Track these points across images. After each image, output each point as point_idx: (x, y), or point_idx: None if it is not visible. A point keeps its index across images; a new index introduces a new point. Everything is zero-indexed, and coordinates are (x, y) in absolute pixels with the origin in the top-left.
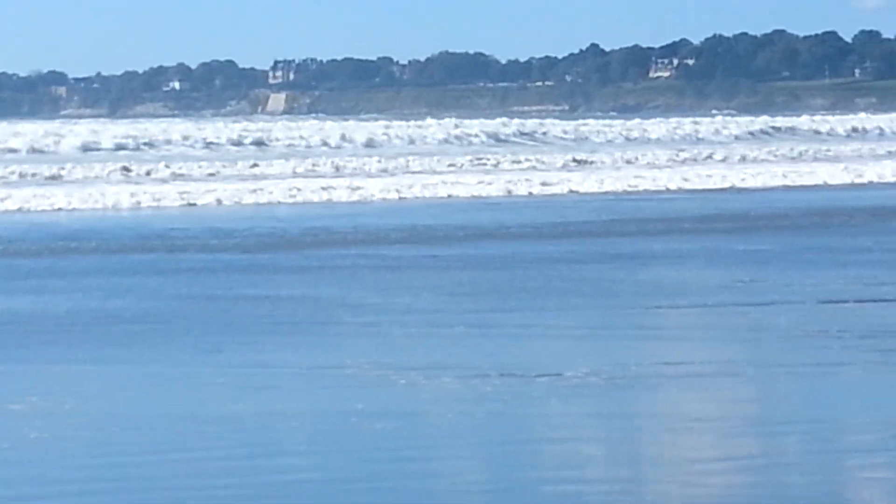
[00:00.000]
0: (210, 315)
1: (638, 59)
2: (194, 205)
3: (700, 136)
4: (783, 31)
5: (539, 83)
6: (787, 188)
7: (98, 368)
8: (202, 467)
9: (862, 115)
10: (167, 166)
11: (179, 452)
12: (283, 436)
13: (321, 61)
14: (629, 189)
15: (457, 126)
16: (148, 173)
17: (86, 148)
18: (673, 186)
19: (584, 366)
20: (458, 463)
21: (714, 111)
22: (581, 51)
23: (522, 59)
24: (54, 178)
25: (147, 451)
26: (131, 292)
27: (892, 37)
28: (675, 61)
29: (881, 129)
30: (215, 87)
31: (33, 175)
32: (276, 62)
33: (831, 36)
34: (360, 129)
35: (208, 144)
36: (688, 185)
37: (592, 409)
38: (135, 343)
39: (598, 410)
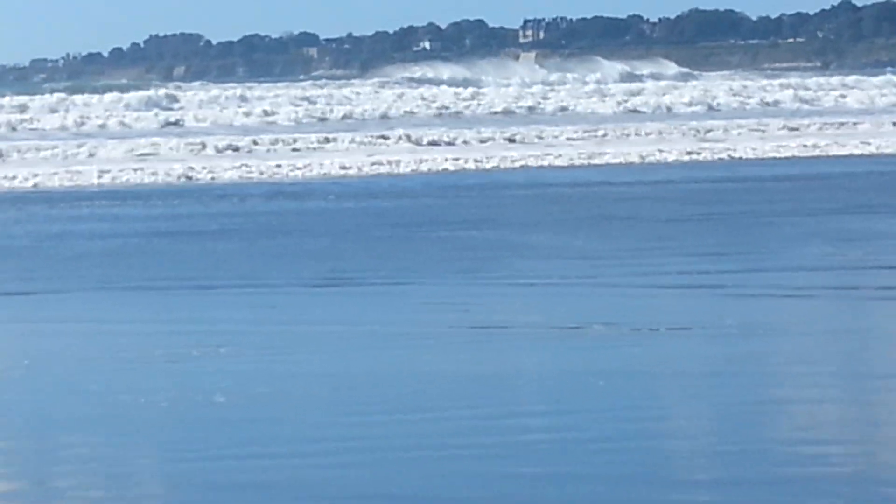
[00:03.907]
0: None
1: (891, 14)
2: None
3: None
4: None
5: (790, 40)
6: None
7: (341, 329)
8: (447, 426)
9: None
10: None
11: (423, 412)
12: (518, 395)
13: (571, 20)
14: None
15: None
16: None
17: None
18: None
19: (823, 325)
20: (694, 423)
21: None
22: (833, 7)
23: (773, 16)
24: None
25: (393, 410)
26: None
27: None
28: None
29: None
30: (465, 46)
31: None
32: (525, 21)
33: None
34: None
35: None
36: None
37: (830, 368)
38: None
39: (836, 370)
